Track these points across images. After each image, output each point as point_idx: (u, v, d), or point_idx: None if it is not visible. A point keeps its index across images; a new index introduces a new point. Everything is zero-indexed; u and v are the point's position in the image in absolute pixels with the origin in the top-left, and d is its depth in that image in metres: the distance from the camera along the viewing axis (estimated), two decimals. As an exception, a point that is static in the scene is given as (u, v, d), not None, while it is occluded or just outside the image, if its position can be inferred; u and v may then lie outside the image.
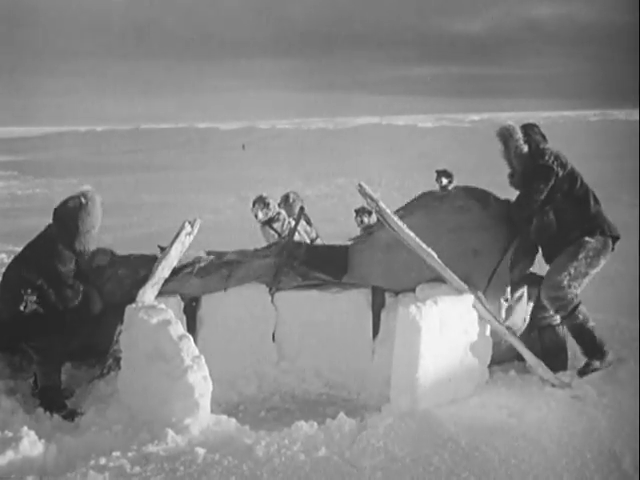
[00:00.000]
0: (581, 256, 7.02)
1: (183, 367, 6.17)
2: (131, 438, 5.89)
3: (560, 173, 7.11)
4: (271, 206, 10.03)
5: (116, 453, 5.58)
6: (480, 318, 6.87)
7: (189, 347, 6.33)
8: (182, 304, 7.24)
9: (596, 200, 7.23)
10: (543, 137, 7.41)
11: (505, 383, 7.03)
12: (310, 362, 7.61)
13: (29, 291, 6.64)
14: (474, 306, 6.83)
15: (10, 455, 5.58)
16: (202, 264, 7.47)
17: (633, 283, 10.00)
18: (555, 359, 7.16)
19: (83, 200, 6.93)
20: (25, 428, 5.93)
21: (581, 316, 7.03)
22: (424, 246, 6.93)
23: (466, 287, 6.89)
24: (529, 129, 7.40)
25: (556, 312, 7.13)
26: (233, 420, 6.26)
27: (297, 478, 5.24)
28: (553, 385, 6.80)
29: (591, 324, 7.08)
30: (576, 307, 7.01)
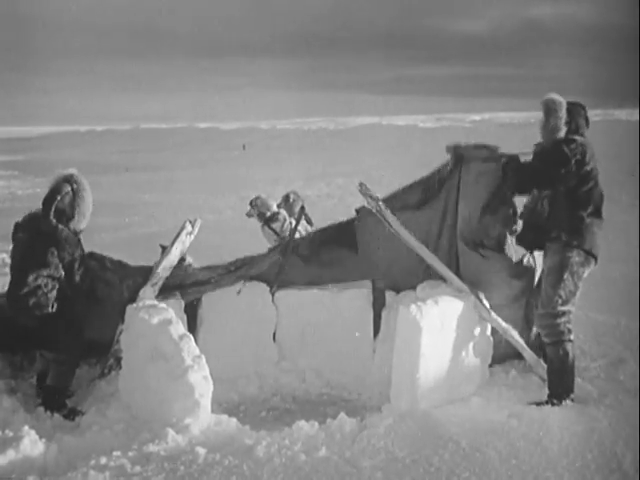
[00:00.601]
0: (566, 275, 6.66)
1: (184, 367, 6.17)
2: (132, 438, 5.89)
3: (573, 167, 6.68)
4: (268, 206, 10.06)
5: (117, 453, 5.58)
6: (481, 318, 6.87)
7: (190, 347, 6.33)
8: (182, 303, 7.24)
9: (596, 214, 6.80)
10: (587, 121, 6.98)
11: (506, 383, 7.04)
12: (311, 362, 7.60)
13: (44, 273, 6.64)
14: (475, 306, 6.82)
15: (11, 454, 5.59)
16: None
17: (633, 283, 10.00)
18: (559, 377, 6.70)
19: (74, 186, 6.92)
20: (26, 427, 5.93)
21: (561, 351, 6.63)
22: (424, 247, 6.92)
23: (466, 287, 6.88)
24: (575, 110, 6.93)
25: (545, 337, 6.76)
26: (234, 420, 6.26)
27: (297, 478, 5.24)
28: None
29: (572, 362, 6.68)
30: (564, 340, 6.65)
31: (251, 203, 10.27)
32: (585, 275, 6.75)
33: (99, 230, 16.76)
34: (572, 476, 5.23)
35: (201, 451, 5.55)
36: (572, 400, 6.54)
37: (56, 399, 6.63)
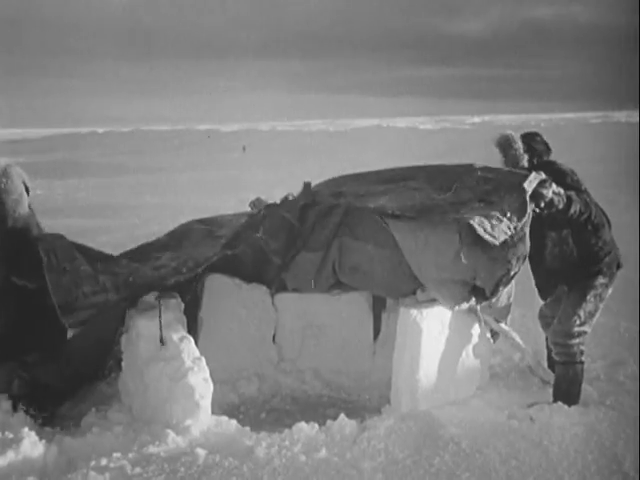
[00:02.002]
0: (589, 297, 6.57)
1: (184, 368, 6.17)
2: (132, 439, 5.89)
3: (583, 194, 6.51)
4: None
5: (117, 454, 5.58)
6: (480, 320, 6.87)
7: (190, 348, 6.33)
8: (182, 305, 7.24)
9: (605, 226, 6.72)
10: (546, 147, 6.91)
11: (506, 384, 7.04)
12: (311, 363, 7.61)
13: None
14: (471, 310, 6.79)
15: (11, 456, 5.57)
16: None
17: (633, 285, 9.99)
18: (566, 395, 6.59)
19: (3, 181, 6.72)
20: (26, 429, 5.92)
21: (571, 372, 6.57)
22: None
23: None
24: (530, 139, 6.90)
25: (556, 355, 6.65)
26: (234, 421, 6.26)
27: (297, 479, 5.24)
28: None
29: (580, 385, 6.63)
30: (575, 362, 6.58)
31: (251, 204, 10.26)
32: (607, 296, 6.70)
33: (98, 231, 16.77)
34: (572, 477, 5.24)
35: (201, 452, 5.55)
36: None
37: (47, 395, 6.55)
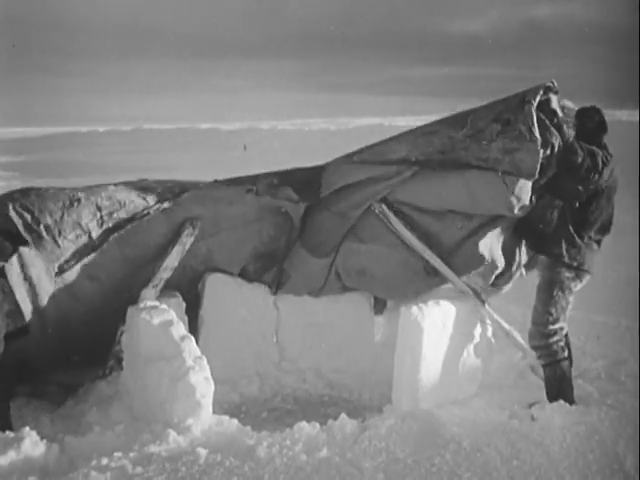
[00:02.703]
0: (556, 292, 6.53)
1: (185, 368, 6.17)
2: (133, 438, 5.88)
3: (586, 175, 6.44)
4: None
5: (118, 453, 5.57)
6: (482, 319, 6.86)
7: (191, 348, 6.33)
8: (184, 304, 7.23)
9: (602, 231, 6.69)
10: (602, 126, 6.63)
11: (507, 384, 7.04)
12: (312, 363, 7.60)
13: None
14: (475, 308, 6.80)
15: (12, 455, 5.56)
16: None
17: (634, 284, 10.00)
18: (559, 395, 6.57)
19: None
20: (27, 428, 5.91)
21: (558, 371, 6.57)
22: (427, 249, 6.87)
23: (469, 289, 6.83)
24: (584, 115, 6.60)
25: (539, 358, 6.66)
26: (235, 421, 6.25)
27: (299, 479, 5.24)
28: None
29: (569, 380, 6.61)
30: (559, 360, 6.57)
31: None
32: (577, 289, 6.63)
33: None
34: (573, 477, 5.24)
35: (202, 452, 5.55)
36: None
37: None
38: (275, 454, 5.53)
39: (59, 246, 6.44)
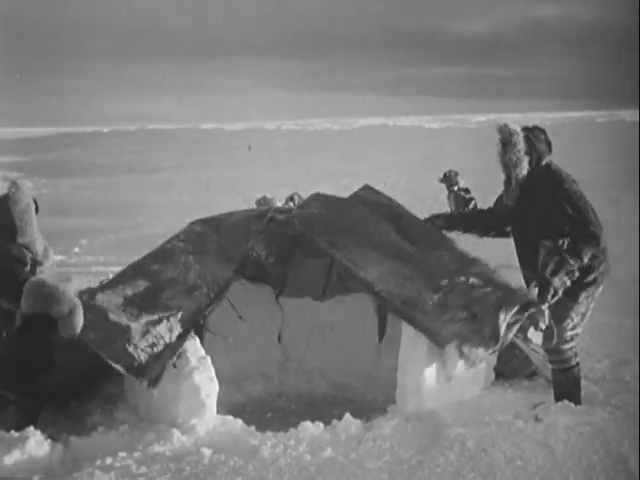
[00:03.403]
0: (581, 298, 6.35)
1: (189, 368, 6.18)
2: (137, 438, 5.89)
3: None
4: (273, 205, 10.07)
5: (122, 453, 5.58)
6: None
7: (195, 348, 6.34)
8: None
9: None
10: (549, 147, 6.54)
11: (511, 384, 7.04)
12: (316, 363, 7.61)
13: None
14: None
15: (16, 455, 5.57)
16: None
17: (637, 284, 10.00)
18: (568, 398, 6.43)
19: (12, 190, 6.70)
20: (31, 428, 5.92)
21: (570, 377, 6.47)
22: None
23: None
24: (534, 135, 6.50)
25: (551, 363, 6.54)
26: (239, 421, 6.26)
27: (303, 479, 5.23)
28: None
29: (579, 386, 6.52)
30: (572, 367, 6.47)
31: (257, 202, 10.29)
32: (597, 294, 6.46)
33: (104, 231, 16.80)
34: (577, 477, 5.22)
35: (206, 452, 5.55)
36: None
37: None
38: (279, 454, 5.54)
39: None
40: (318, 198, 7.36)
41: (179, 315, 6.41)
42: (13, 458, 5.54)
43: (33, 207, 6.80)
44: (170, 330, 6.33)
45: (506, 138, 6.47)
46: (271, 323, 7.63)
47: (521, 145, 6.43)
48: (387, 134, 51.25)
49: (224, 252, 6.97)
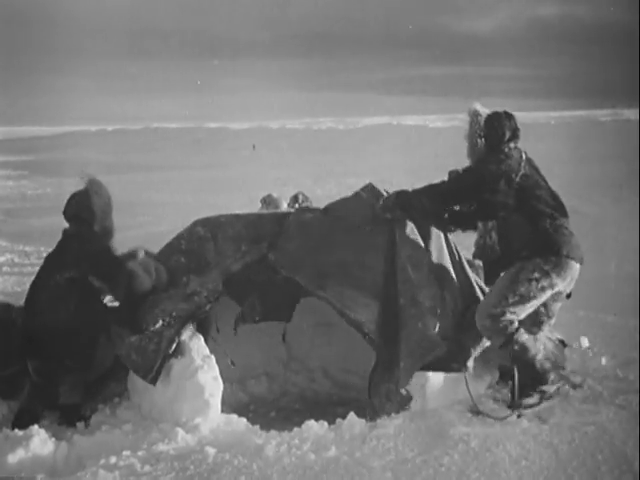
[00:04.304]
0: (522, 277, 6.11)
1: (193, 367, 6.18)
2: (141, 437, 5.89)
3: (503, 187, 6.13)
4: (278, 204, 10.05)
5: (126, 452, 5.58)
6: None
7: (199, 347, 6.34)
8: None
9: (558, 215, 6.24)
10: (514, 132, 6.35)
11: (515, 384, 7.02)
12: (320, 362, 7.61)
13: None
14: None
15: (20, 453, 5.59)
16: None
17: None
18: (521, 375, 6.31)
19: (89, 186, 6.80)
20: (36, 426, 5.94)
21: (517, 347, 6.18)
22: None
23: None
24: (494, 120, 6.37)
25: (488, 339, 6.32)
26: (243, 420, 6.26)
27: (307, 478, 5.23)
28: (564, 385, 6.75)
29: (533, 354, 6.26)
30: (511, 337, 6.14)
31: (262, 201, 10.29)
32: (551, 287, 6.19)
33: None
34: (582, 477, 5.21)
35: (211, 451, 5.55)
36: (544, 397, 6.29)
37: (73, 414, 6.50)
38: (283, 453, 5.54)
39: None
40: (300, 226, 6.95)
41: (174, 314, 6.47)
42: (17, 456, 5.56)
43: (112, 206, 6.90)
44: (168, 327, 6.39)
45: (471, 118, 6.65)
46: (275, 322, 7.62)
47: (478, 126, 6.53)
48: (392, 133, 51.22)
49: (219, 265, 6.91)
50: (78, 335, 6.43)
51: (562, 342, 6.83)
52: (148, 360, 6.26)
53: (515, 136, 6.35)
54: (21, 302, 6.81)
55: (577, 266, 6.25)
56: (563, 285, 6.23)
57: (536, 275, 6.13)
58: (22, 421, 6.22)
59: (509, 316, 6.13)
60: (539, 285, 6.13)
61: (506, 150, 6.25)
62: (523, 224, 6.23)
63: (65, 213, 6.80)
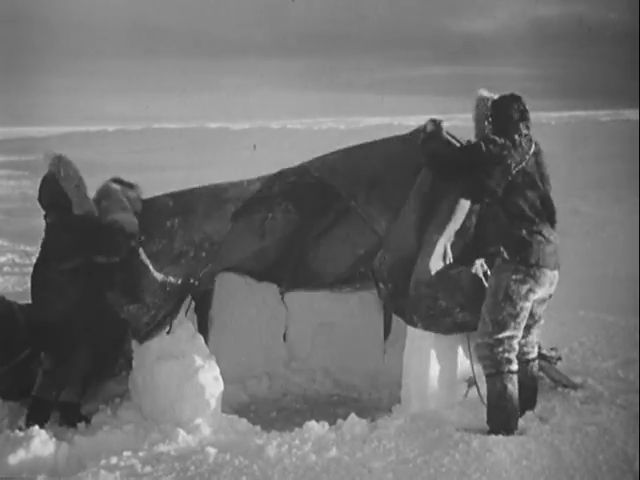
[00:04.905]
0: (501, 297, 5.93)
1: (194, 367, 6.19)
2: (142, 438, 5.90)
3: (496, 173, 5.94)
4: None
5: (127, 453, 5.59)
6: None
7: (200, 347, 6.34)
8: (193, 303, 7.24)
9: (544, 224, 6.03)
10: (522, 115, 6.13)
11: (516, 384, 7.01)
12: (321, 362, 7.62)
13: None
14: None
15: (21, 454, 5.59)
16: None
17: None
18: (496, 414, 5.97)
19: (55, 170, 6.71)
20: (36, 427, 5.94)
21: (498, 385, 5.92)
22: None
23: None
24: (503, 104, 6.21)
25: (483, 367, 6.10)
26: (244, 420, 6.27)
27: (308, 478, 5.22)
28: (565, 386, 6.76)
29: (510, 399, 5.93)
30: (502, 373, 5.93)
31: None
32: (533, 292, 5.99)
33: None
34: (583, 477, 5.20)
35: (211, 451, 5.55)
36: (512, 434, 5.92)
37: (73, 414, 6.52)
38: (284, 454, 5.53)
39: None
40: (342, 150, 7.38)
41: (168, 288, 6.42)
42: (18, 457, 5.57)
43: (84, 183, 6.78)
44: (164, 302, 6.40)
45: (477, 103, 6.57)
46: (276, 322, 7.63)
47: (486, 108, 6.40)
48: (393, 133, 51.11)
49: (217, 198, 6.83)
50: (91, 324, 6.45)
51: (549, 359, 6.84)
52: (142, 326, 6.37)
53: (524, 118, 6.18)
54: (22, 302, 6.81)
55: (551, 273, 6.07)
56: (542, 291, 6.08)
57: (513, 288, 5.95)
58: (37, 412, 6.27)
59: (505, 345, 5.99)
60: (520, 296, 5.97)
61: (516, 137, 6.07)
62: (502, 218, 6.08)
63: (40, 201, 6.66)
